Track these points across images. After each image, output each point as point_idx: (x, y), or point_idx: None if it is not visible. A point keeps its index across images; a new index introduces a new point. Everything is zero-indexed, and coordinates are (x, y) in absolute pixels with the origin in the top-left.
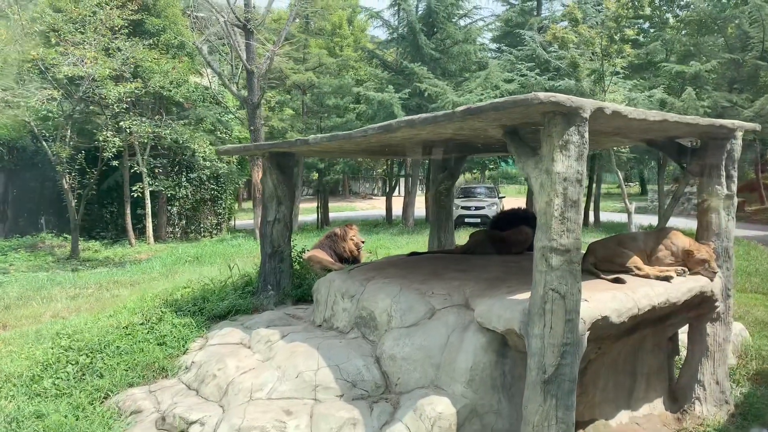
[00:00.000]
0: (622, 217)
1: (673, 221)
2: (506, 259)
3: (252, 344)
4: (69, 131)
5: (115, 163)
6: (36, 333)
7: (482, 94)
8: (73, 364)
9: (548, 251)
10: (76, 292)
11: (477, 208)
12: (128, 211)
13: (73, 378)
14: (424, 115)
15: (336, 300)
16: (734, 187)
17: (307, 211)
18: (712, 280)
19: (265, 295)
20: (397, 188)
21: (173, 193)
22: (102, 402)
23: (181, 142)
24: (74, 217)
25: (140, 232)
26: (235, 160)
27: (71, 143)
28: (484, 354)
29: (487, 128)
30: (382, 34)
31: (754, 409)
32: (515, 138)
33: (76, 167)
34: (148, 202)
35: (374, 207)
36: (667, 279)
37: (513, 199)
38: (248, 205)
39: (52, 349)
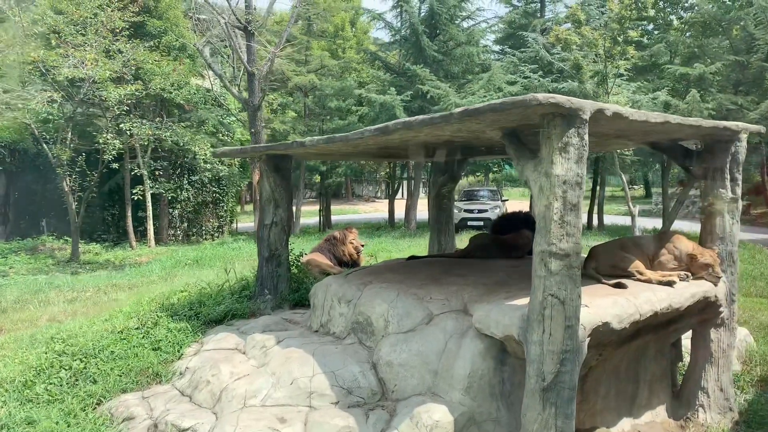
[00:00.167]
0: (626, 221)
1: (677, 224)
2: (506, 263)
3: (247, 350)
4: (69, 133)
5: (115, 165)
6: (31, 337)
7: (485, 97)
8: (66, 369)
9: (547, 256)
10: (74, 295)
11: (480, 211)
12: (129, 214)
13: (66, 383)
14: (421, 116)
15: (333, 305)
16: (739, 191)
17: (309, 214)
18: (716, 285)
19: (262, 299)
20: (400, 191)
21: (174, 195)
22: (94, 408)
23: (181, 144)
24: (74, 219)
25: (142, 235)
26: (237, 163)
27: (72, 145)
28: (483, 361)
29: (485, 130)
30: (384, 36)
31: (759, 417)
32: (514, 140)
33: (77, 170)
34: (149, 204)
35: (377, 210)
36: (670, 284)
37: (517, 202)
38: (250, 207)
39: (46, 353)
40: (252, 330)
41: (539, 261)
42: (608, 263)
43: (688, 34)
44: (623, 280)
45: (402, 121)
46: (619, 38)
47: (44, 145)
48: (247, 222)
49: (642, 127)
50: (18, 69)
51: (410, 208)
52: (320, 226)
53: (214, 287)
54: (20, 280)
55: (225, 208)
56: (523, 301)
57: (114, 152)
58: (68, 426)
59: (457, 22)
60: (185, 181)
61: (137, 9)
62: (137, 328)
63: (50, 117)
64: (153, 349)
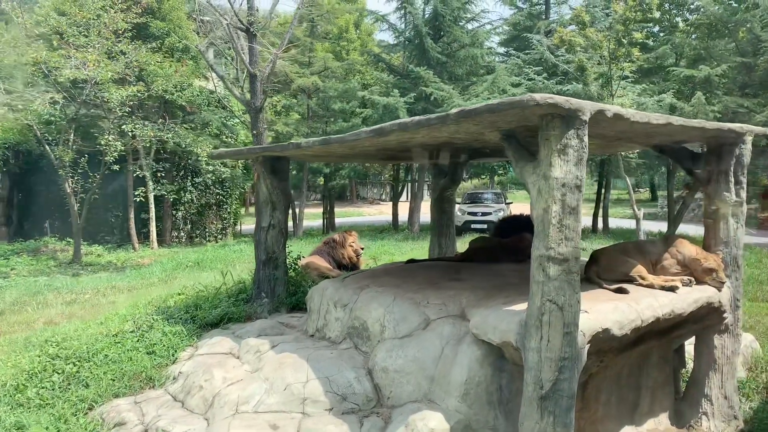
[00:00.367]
0: (631, 224)
1: (683, 228)
2: (506, 267)
3: (241, 354)
4: (72, 135)
5: (116, 167)
6: (25, 340)
7: (489, 99)
8: (59, 373)
9: (545, 260)
10: (73, 297)
11: (483, 214)
12: (132, 216)
13: (59, 387)
14: (417, 117)
15: (329, 309)
16: (743, 194)
17: (313, 216)
18: (719, 291)
19: (258, 302)
20: (404, 193)
21: (177, 197)
22: (86, 413)
23: (183, 146)
24: (77, 221)
25: (145, 237)
26: (240, 165)
27: (74, 147)
28: (480, 367)
29: (483, 132)
30: (388, 37)
31: (764, 425)
32: (513, 142)
33: (79, 171)
34: (152, 206)
35: (381, 212)
36: (673, 289)
37: (521, 205)
38: (254, 209)
39: (39, 357)
40: (247, 334)
41: (537, 266)
42: (610, 268)
43: (693, 36)
44: (625, 285)
45: (398, 123)
46: (623, 40)
47: (46, 147)
48: (250, 224)
49: (644, 129)
50: (21, 70)
51: (414, 210)
52: (324, 229)
53: (211, 290)
54: (21, 282)
55: (228, 210)
56: (522, 306)
57: (115, 154)
58: (58, 431)
59: (461, 24)
60: (189, 183)
61: (140, 10)
62: (132, 332)
63: (52, 118)
64: (147, 353)
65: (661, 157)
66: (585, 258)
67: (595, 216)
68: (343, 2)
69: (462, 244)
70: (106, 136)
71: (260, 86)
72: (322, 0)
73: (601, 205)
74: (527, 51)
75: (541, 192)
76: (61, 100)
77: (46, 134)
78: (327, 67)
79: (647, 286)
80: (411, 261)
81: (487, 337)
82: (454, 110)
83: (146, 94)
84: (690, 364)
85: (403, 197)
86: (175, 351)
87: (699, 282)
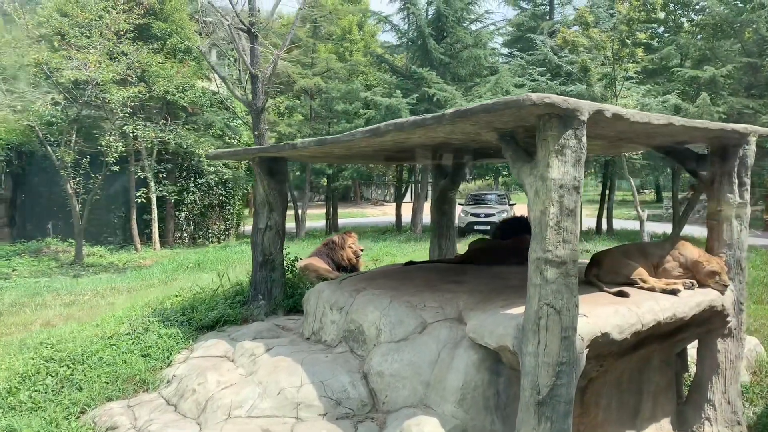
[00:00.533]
0: (636, 225)
1: (688, 229)
2: (505, 269)
3: (235, 357)
4: (74, 136)
5: (116, 168)
6: (20, 342)
7: (492, 100)
8: (53, 376)
9: (543, 263)
10: (72, 299)
11: (487, 215)
12: (134, 216)
13: (52, 391)
14: (412, 117)
15: (324, 312)
16: (747, 195)
17: (316, 217)
18: (723, 294)
19: (255, 305)
20: (408, 194)
21: (178, 198)
22: (78, 417)
23: (185, 147)
24: (78, 222)
25: (148, 238)
26: (243, 166)
27: (76, 148)
28: (477, 372)
29: (480, 132)
30: (392, 38)
31: None
32: (510, 142)
33: (81, 172)
34: (154, 207)
35: (385, 213)
36: (674, 292)
37: (525, 206)
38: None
39: (33, 359)
40: (243, 337)
41: (534, 269)
42: (610, 270)
43: (699, 37)
44: (625, 288)
45: (393, 123)
46: (627, 40)
47: (48, 148)
48: None
49: (645, 130)
50: (22, 71)
51: (416, 211)
52: (327, 230)
53: (208, 292)
54: (22, 283)
55: (231, 211)
56: (520, 309)
57: (116, 155)
58: None
59: (464, 24)
60: (191, 184)
61: (142, 11)
62: (128, 334)
63: (53, 119)
64: (142, 356)
65: (666, 158)
66: (587, 260)
67: (599, 217)
68: (347, 3)
69: (464, 246)
70: (106, 137)
71: (262, 87)
72: (325, 1)
73: (606, 206)
74: (531, 52)
75: (539, 193)
76: (62, 101)
77: (48, 135)
78: (329, 68)
79: (648, 289)
80: (410, 263)
81: (483, 341)
82: (449, 110)
83: (147, 95)
84: (693, 368)
85: (407, 198)
86: (170, 354)
87: (702, 285)
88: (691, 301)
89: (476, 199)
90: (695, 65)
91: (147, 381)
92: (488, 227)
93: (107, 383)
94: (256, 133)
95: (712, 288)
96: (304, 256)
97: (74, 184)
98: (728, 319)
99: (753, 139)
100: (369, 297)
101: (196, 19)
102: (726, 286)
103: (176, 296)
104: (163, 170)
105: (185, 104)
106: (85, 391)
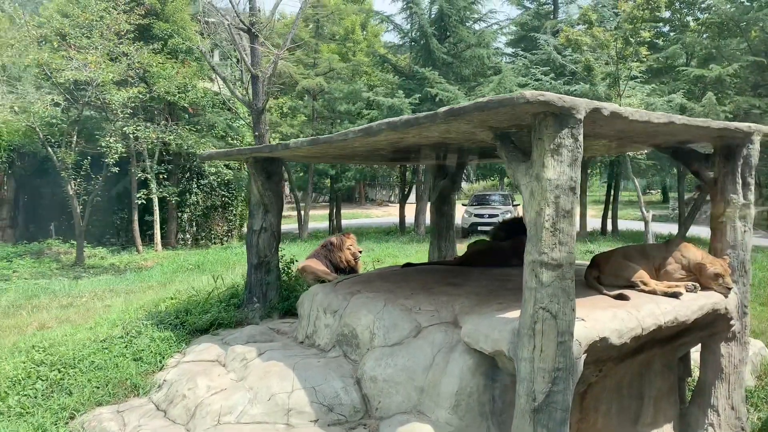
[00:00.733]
0: (641, 226)
1: (694, 230)
2: (504, 272)
3: (227, 362)
4: (75, 137)
5: (116, 169)
6: (13, 345)
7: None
8: (43, 380)
9: (538, 266)
10: (69, 301)
11: (491, 216)
12: (135, 218)
13: (41, 395)
14: (405, 116)
15: (318, 315)
16: (751, 195)
17: (320, 218)
18: (726, 297)
19: (250, 307)
20: (412, 195)
21: (178, 199)
22: (67, 422)
23: (185, 147)
24: (79, 223)
25: (151, 239)
26: (244, 167)
27: (77, 149)
28: (472, 377)
29: (475, 131)
30: (394, 38)
31: None
32: (506, 141)
33: (82, 173)
34: (156, 208)
35: (389, 214)
36: (676, 295)
37: None
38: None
39: (24, 363)
40: (236, 340)
41: (530, 271)
42: (611, 273)
43: (705, 36)
44: (626, 291)
45: (386, 122)
46: (631, 39)
47: (49, 149)
48: None
49: (645, 128)
50: (26, 71)
51: (419, 212)
52: (330, 231)
53: (203, 294)
54: (22, 285)
55: (234, 212)
56: (516, 313)
57: (116, 156)
58: None
59: (468, 24)
60: (194, 185)
61: (143, 12)
62: (121, 337)
63: (54, 120)
64: (134, 360)
65: (671, 158)
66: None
67: (604, 218)
68: (349, 3)
69: (465, 247)
70: (106, 138)
71: (262, 87)
72: (327, 1)
73: (611, 207)
74: (534, 51)
75: (534, 194)
76: (62, 102)
77: (49, 136)
78: (332, 69)
79: (650, 292)
80: (408, 265)
81: (478, 345)
82: (442, 109)
83: (148, 95)
84: (696, 373)
85: (411, 199)
86: (163, 358)
87: (704, 288)
88: (693, 305)
89: (480, 200)
90: (701, 64)
91: (138, 386)
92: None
93: (98, 388)
94: (256, 133)
95: (716, 291)
96: (297, 259)
97: (75, 186)
98: (732, 322)
99: (757, 139)
100: (363, 300)
101: (198, 19)
102: (729, 288)
103: (171, 299)
104: (163, 171)
105: (186, 105)
106: (75, 395)
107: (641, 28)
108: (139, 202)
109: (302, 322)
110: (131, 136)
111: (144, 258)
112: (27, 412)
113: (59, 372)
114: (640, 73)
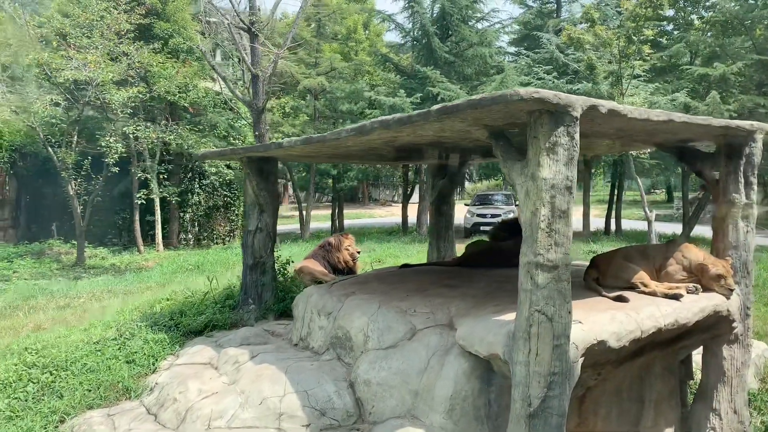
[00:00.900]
0: (645, 226)
1: (698, 229)
2: (502, 273)
3: (219, 365)
4: (75, 137)
5: (116, 169)
6: (6, 347)
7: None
8: (34, 383)
9: (534, 267)
10: (66, 302)
11: (493, 216)
12: (137, 218)
13: (32, 398)
14: (398, 115)
15: (312, 317)
16: (754, 195)
17: (322, 218)
18: (728, 298)
19: (245, 309)
20: (415, 195)
21: (179, 200)
22: (57, 426)
23: (186, 147)
24: (80, 223)
25: (153, 239)
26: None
27: (77, 149)
28: (467, 381)
29: (470, 129)
30: (396, 38)
31: None
32: (501, 140)
33: (82, 173)
34: (157, 209)
35: (392, 214)
36: (677, 297)
37: None
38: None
39: (16, 365)
40: (230, 342)
41: (525, 273)
42: (611, 274)
43: (709, 34)
44: (625, 293)
45: (379, 120)
46: (634, 37)
47: (50, 149)
48: None
49: (644, 126)
50: (27, 71)
51: (421, 212)
52: (332, 231)
53: (199, 296)
54: (22, 285)
55: (236, 212)
56: (512, 315)
57: (116, 156)
58: None
59: (470, 23)
60: (196, 185)
61: (144, 12)
62: (114, 339)
63: (54, 120)
64: (127, 362)
65: (673, 157)
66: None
67: (607, 217)
68: (351, 2)
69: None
70: (107, 138)
71: (262, 87)
72: (329, 0)
73: (615, 206)
74: (537, 50)
75: (529, 194)
76: (62, 102)
77: (50, 136)
78: (333, 68)
79: (650, 293)
80: (405, 266)
81: (473, 349)
82: (436, 107)
83: (148, 95)
84: (698, 376)
85: (414, 198)
86: (156, 360)
87: (706, 289)
88: (694, 307)
89: (482, 200)
90: (705, 63)
91: (130, 388)
92: None
93: (89, 391)
94: (257, 133)
95: (717, 292)
96: (294, 260)
97: (75, 186)
98: (734, 324)
99: (760, 137)
100: (357, 302)
101: (199, 19)
102: (732, 290)
103: (167, 300)
104: (164, 171)
105: (186, 105)
106: (66, 399)
107: (644, 26)
108: (139, 202)
109: (297, 324)
110: (131, 136)
111: (145, 258)
112: (17, 416)
113: (51, 374)
114: (643, 71)
